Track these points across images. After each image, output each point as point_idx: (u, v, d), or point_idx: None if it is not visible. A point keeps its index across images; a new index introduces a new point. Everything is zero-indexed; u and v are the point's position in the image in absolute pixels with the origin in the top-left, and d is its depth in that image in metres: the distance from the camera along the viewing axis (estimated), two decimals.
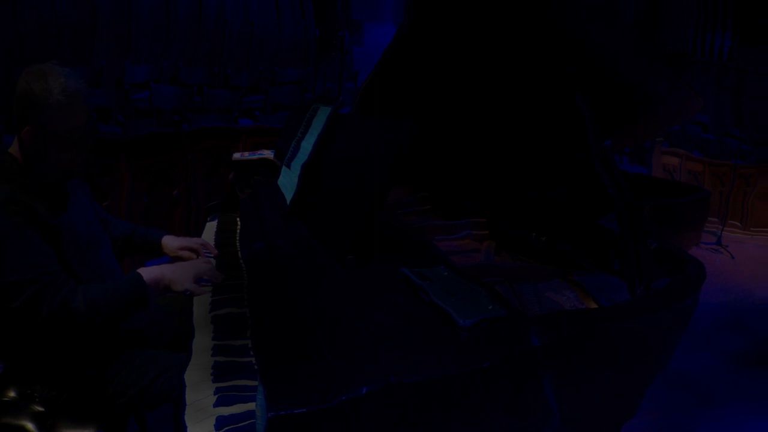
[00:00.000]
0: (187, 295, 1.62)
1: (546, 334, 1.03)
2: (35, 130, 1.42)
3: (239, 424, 1.07)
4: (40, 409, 1.45)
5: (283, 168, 2.26)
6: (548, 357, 1.03)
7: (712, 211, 5.70)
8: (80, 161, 1.54)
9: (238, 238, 2.00)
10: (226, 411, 1.11)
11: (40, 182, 1.48)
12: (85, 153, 1.54)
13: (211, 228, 2.39)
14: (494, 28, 1.60)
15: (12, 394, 1.49)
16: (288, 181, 2.06)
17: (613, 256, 1.55)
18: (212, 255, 1.93)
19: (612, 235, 1.55)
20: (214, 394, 1.17)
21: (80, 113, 1.47)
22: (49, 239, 1.42)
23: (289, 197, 1.91)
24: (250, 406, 1.11)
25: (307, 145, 2.03)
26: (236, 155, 2.91)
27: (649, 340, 1.32)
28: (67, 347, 1.49)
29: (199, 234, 2.32)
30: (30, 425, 1.41)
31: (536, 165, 1.81)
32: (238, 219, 2.32)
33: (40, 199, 1.44)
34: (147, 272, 1.50)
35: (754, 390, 2.99)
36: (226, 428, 1.06)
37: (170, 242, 1.93)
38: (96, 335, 1.48)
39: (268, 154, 2.85)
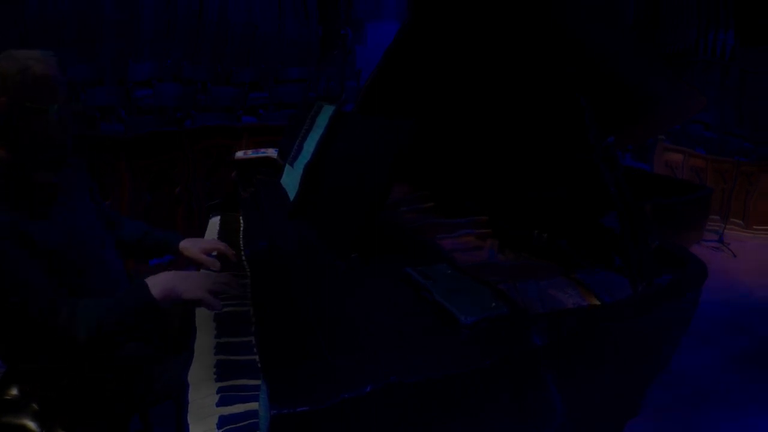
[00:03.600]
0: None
1: (547, 334, 1.04)
2: (2, 105, 1.38)
3: (240, 424, 1.07)
4: (42, 408, 1.45)
5: (286, 166, 2.26)
6: (549, 356, 1.03)
7: (713, 208, 5.69)
8: (59, 136, 1.48)
9: (240, 236, 2.01)
10: (227, 411, 1.11)
11: (27, 175, 1.43)
12: (67, 130, 1.49)
13: (213, 225, 2.38)
14: (495, 28, 1.60)
15: (13, 392, 1.48)
16: (291, 180, 2.07)
17: (613, 255, 1.56)
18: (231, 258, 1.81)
19: (612, 235, 1.56)
20: (217, 394, 1.17)
21: (50, 87, 1.43)
22: (38, 254, 1.34)
23: (292, 196, 1.91)
24: (252, 405, 1.12)
25: (311, 143, 2.04)
26: (239, 154, 2.89)
27: (650, 340, 1.32)
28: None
29: (201, 233, 2.31)
30: (31, 424, 1.41)
31: (536, 164, 1.81)
32: (240, 218, 2.33)
33: (25, 201, 1.39)
34: (156, 285, 1.36)
35: (755, 390, 2.98)
36: (228, 427, 1.07)
37: (191, 246, 1.81)
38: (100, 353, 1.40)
39: (271, 152, 2.83)
